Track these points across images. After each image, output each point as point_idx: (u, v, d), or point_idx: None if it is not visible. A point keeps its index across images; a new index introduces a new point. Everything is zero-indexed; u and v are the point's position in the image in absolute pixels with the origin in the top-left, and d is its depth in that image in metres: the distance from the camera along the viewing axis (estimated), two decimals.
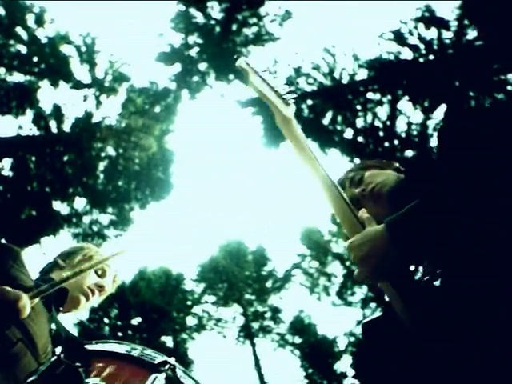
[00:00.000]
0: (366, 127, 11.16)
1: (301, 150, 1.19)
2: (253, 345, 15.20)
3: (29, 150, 11.08)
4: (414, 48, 10.56)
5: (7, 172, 10.95)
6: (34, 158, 11.21)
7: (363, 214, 1.06)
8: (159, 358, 1.19)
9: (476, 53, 9.28)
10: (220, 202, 28.70)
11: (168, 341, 14.59)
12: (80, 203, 12.09)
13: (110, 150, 12.27)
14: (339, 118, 11.44)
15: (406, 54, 10.69)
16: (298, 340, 15.41)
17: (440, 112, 10.29)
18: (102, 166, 12.22)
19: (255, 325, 15.86)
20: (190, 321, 15.71)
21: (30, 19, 11.19)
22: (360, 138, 11.22)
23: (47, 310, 1.40)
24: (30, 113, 11.23)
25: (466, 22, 9.78)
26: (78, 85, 11.74)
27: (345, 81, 11.55)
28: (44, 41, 11.39)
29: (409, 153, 10.52)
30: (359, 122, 11.28)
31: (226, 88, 13.71)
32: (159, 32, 12.77)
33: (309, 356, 14.74)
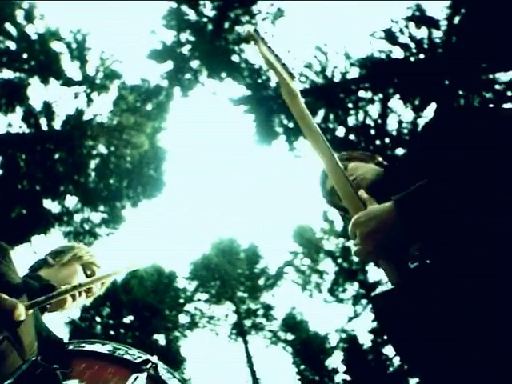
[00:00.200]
0: (358, 125, 11.22)
1: (306, 124, 1.18)
2: (245, 342, 15.24)
3: (19, 147, 10.96)
4: (404, 47, 10.62)
5: None
6: (24, 156, 11.10)
7: (363, 193, 1.09)
8: (142, 357, 1.18)
9: (465, 52, 9.37)
10: (212, 200, 28.65)
11: (160, 339, 14.59)
12: (71, 201, 12.03)
13: (102, 148, 12.21)
14: (331, 116, 11.49)
15: (397, 53, 10.77)
16: (290, 337, 15.49)
17: (430, 110, 10.39)
18: (93, 163, 12.15)
19: (247, 322, 15.90)
20: (183, 319, 15.72)
21: (20, 15, 11.06)
22: (352, 136, 11.29)
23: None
24: (19, 110, 11.12)
25: (455, 21, 9.87)
26: (68, 82, 11.64)
27: (337, 79, 11.60)
28: (34, 37, 11.27)
29: (399, 151, 10.61)
30: (351, 120, 11.34)
31: (218, 86, 13.68)
32: (151, 29, 12.70)
33: (301, 352, 14.81)
